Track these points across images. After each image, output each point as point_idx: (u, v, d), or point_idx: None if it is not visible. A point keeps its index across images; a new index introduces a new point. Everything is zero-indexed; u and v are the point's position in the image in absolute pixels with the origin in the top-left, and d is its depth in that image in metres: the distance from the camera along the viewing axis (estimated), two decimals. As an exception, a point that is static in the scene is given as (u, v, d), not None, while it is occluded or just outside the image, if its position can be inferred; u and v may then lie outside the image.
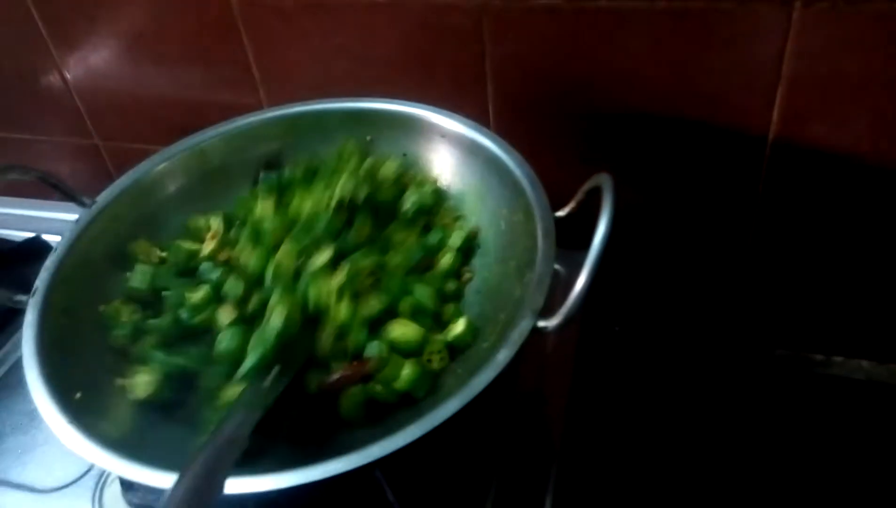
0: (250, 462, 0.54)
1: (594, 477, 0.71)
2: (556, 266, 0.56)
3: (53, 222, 0.90)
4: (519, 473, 0.62)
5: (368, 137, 0.71)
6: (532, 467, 0.62)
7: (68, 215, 0.67)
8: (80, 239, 0.64)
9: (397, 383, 0.57)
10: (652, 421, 0.76)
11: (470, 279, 0.65)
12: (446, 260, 0.65)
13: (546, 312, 0.53)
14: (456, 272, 0.65)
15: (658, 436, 0.75)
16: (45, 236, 0.86)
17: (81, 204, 0.66)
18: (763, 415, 0.76)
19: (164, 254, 0.67)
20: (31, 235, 0.87)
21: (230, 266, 0.65)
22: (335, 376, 0.56)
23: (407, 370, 0.57)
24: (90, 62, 0.86)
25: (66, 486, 0.65)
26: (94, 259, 0.65)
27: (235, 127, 0.72)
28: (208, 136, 0.71)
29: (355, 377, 0.56)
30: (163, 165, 0.70)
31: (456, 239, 0.66)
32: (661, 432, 0.75)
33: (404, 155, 0.71)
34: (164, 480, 0.49)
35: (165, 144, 0.71)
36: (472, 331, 0.60)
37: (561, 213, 0.60)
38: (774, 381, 0.78)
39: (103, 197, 0.67)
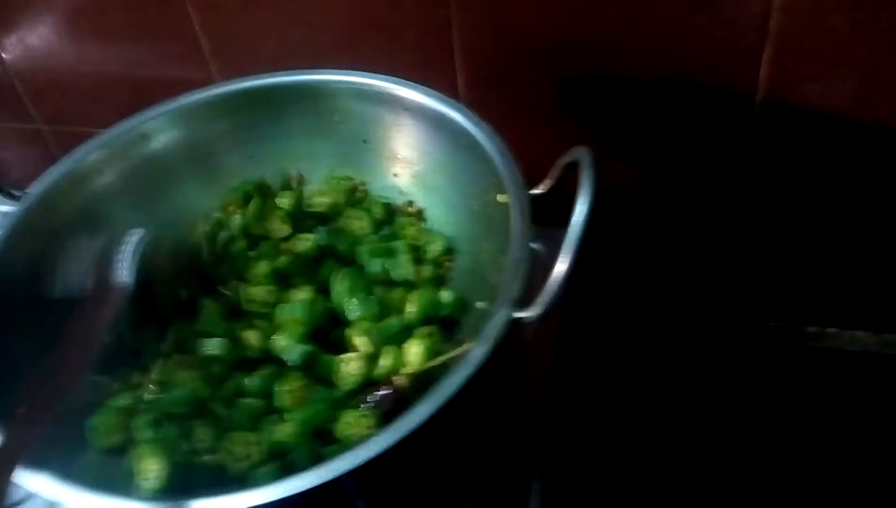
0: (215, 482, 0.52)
1: (583, 465, 0.70)
2: (536, 246, 0.53)
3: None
4: (503, 467, 0.60)
5: (336, 117, 0.67)
6: (516, 460, 0.60)
7: (3, 207, 0.63)
8: (11, 236, 0.60)
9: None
10: (643, 398, 0.75)
11: (451, 265, 0.63)
12: (426, 271, 0.62)
13: (525, 297, 0.49)
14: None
15: (649, 412, 0.74)
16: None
17: (9, 197, 0.61)
18: (757, 389, 0.75)
19: None
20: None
21: None
22: (378, 396, 0.54)
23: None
24: (27, 41, 0.82)
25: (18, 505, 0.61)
26: (28, 258, 0.60)
27: (179, 106, 0.67)
28: (149, 117, 0.67)
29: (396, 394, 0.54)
30: (99, 151, 0.65)
31: (434, 250, 0.64)
32: (653, 408, 0.75)
33: (364, 141, 0.67)
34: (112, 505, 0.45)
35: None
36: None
37: (537, 190, 0.56)
38: (768, 354, 0.78)
39: (34, 188, 0.63)
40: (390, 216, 0.67)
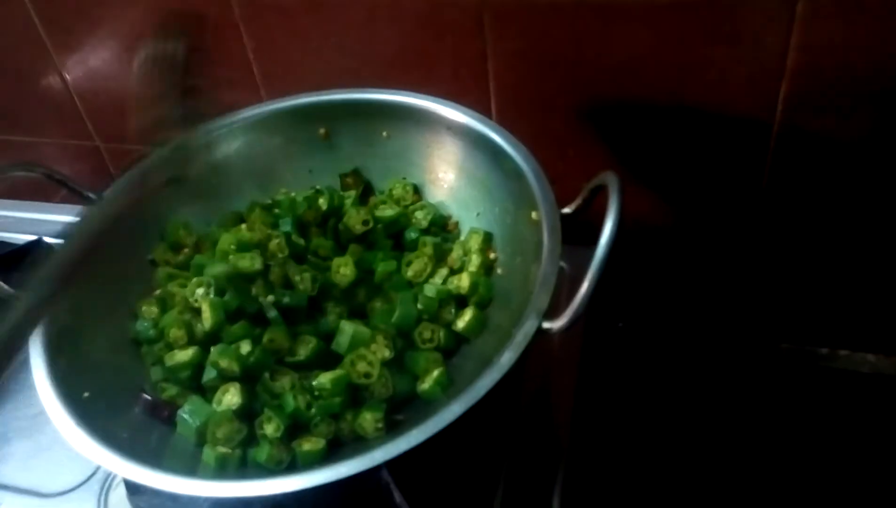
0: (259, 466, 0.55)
1: (602, 475, 0.71)
2: (561, 264, 0.56)
3: (55, 224, 0.89)
4: (526, 472, 0.62)
5: (385, 133, 0.71)
6: (540, 465, 0.62)
7: (70, 217, 0.66)
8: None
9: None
10: (658, 417, 0.76)
11: (496, 259, 0.66)
12: (475, 260, 0.65)
13: (551, 310, 0.52)
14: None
15: (665, 432, 0.75)
16: (47, 239, 0.85)
17: (87, 200, 0.66)
18: (768, 410, 0.75)
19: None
20: (33, 237, 0.86)
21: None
22: None
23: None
24: (90, 63, 0.86)
25: (72, 490, 0.65)
26: (102, 256, 0.64)
27: (239, 120, 0.71)
28: (212, 129, 0.71)
29: None
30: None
31: (474, 243, 0.66)
32: (668, 428, 0.75)
33: (404, 178, 0.71)
34: (171, 483, 0.49)
35: (167, 145, 0.70)
36: (480, 322, 0.61)
37: (567, 210, 0.59)
38: (779, 375, 0.78)
39: (108, 192, 0.66)
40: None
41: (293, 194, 0.72)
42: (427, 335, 0.61)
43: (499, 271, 0.65)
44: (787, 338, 0.79)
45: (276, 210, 0.71)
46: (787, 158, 0.69)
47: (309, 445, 0.55)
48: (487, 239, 0.66)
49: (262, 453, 0.55)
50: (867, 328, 0.77)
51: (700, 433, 0.75)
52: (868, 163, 0.68)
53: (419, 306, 0.62)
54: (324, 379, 0.57)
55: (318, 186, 0.72)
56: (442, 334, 0.61)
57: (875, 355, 0.77)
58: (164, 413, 0.58)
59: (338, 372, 0.57)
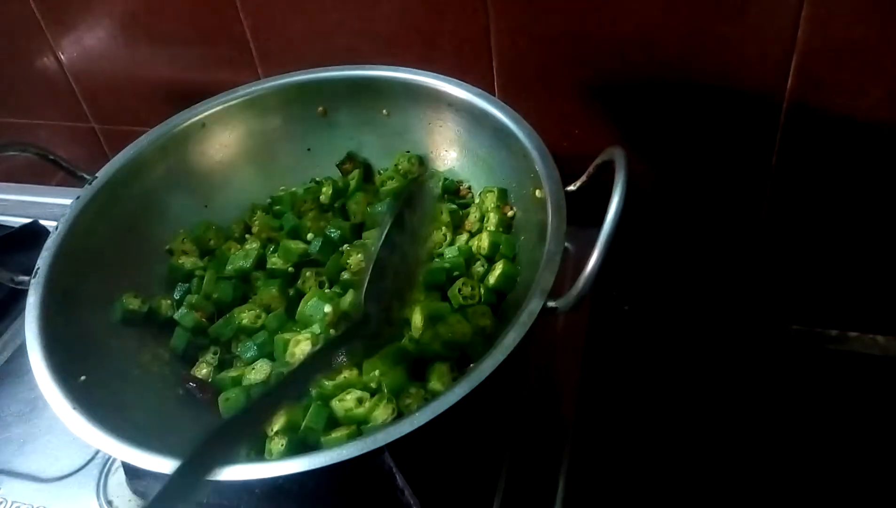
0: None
1: (608, 460, 0.70)
2: (566, 244, 0.55)
3: (51, 206, 0.88)
4: (531, 454, 0.61)
5: (385, 111, 0.70)
6: (545, 448, 0.62)
7: (66, 199, 0.67)
8: (82, 217, 0.63)
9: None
10: (665, 401, 0.75)
11: (514, 215, 0.65)
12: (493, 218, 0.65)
13: (556, 290, 0.51)
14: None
15: (671, 416, 0.74)
16: (43, 222, 0.84)
17: (81, 180, 0.65)
18: (778, 392, 0.75)
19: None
20: (29, 220, 0.85)
21: None
22: None
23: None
24: (85, 43, 0.85)
25: (70, 475, 0.64)
26: (97, 238, 0.64)
27: (236, 97, 0.70)
28: (209, 107, 0.70)
29: None
30: (161, 139, 0.69)
31: (489, 202, 0.66)
32: (675, 411, 0.75)
33: (408, 151, 0.70)
34: (171, 466, 0.48)
35: (163, 126, 0.69)
36: (512, 276, 0.60)
37: (572, 187, 0.58)
38: (789, 357, 0.77)
39: (104, 172, 0.66)
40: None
41: (294, 189, 0.71)
42: (467, 291, 0.60)
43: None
44: (796, 320, 0.78)
45: (277, 207, 0.70)
46: (797, 136, 0.69)
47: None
48: (502, 196, 0.65)
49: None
50: (877, 309, 0.76)
51: (708, 417, 0.74)
52: (880, 141, 0.67)
53: (446, 264, 0.61)
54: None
55: (316, 179, 0.71)
56: (482, 289, 0.60)
57: (885, 337, 0.76)
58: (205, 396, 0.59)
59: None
